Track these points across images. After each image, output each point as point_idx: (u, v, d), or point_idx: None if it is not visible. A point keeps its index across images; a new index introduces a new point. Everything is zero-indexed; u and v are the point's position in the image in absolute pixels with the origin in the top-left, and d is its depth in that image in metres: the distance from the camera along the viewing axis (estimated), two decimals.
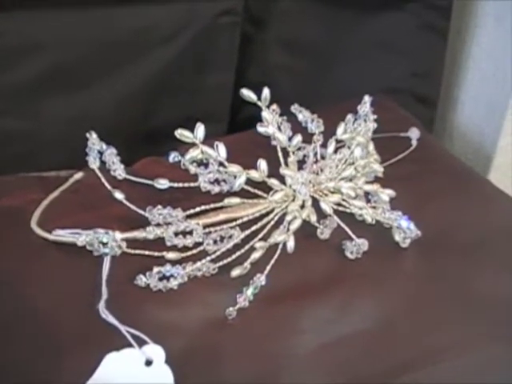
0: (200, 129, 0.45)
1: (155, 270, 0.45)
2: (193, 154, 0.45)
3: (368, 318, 0.48)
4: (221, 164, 0.46)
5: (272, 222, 0.48)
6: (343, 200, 0.51)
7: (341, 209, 0.51)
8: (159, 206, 0.46)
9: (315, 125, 0.52)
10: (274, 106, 0.51)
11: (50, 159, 0.72)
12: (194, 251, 0.47)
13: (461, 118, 0.84)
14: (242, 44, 0.79)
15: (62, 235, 0.49)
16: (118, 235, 0.46)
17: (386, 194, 0.52)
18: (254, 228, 0.47)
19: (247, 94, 0.48)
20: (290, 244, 0.47)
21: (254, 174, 0.47)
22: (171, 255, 0.46)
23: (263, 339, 0.46)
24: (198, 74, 0.77)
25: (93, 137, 0.50)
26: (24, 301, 0.47)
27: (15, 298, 0.47)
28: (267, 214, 0.48)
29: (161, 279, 0.46)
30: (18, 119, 0.70)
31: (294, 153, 0.49)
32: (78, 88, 0.72)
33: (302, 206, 0.49)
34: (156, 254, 0.46)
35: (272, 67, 0.82)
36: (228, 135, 0.71)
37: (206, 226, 0.47)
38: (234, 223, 0.46)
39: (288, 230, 0.47)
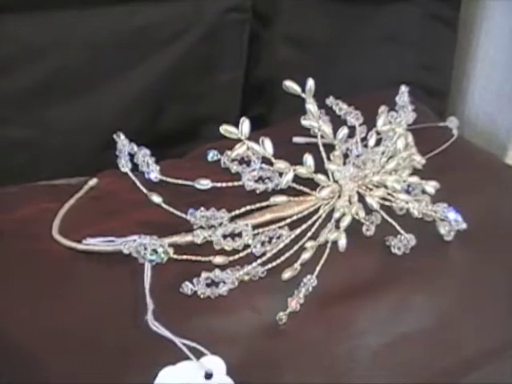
0: (245, 124, 0.43)
1: (203, 275, 0.42)
2: (239, 150, 0.43)
3: (425, 315, 0.45)
4: (266, 161, 0.43)
5: (320, 220, 0.46)
6: (388, 194, 0.49)
7: (386, 203, 0.49)
8: (202, 208, 0.43)
9: (354, 116, 0.50)
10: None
11: (55, 167, 0.69)
12: (242, 254, 0.44)
13: (472, 109, 0.83)
14: (249, 41, 0.77)
15: (95, 244, 0.46)
16: (166, 240, 0.43)
17: (431, 185, 0.50)
18: (304, 227, 0.44)
19: (290, 85, 0.46)
20: (342, 242, 0.45)
21: (301, 170, 0.44)
22: (219, 259, 0.43)
23: (321, 343, 0.43)
24: (206, 73, 0.75)
25: (121, 138, 0.47)
26: (60, 318, 0.43)
27: (48, 316, 0.44)
28: (315, 211, 0.46)
29: (208, 285, 0.43)
30: (22, 127, 0.66)
31: (339, 146, 0.46)
32: (81, 93, 0.69)
33: (350, 202, 0.47)
34: (203, 258, 0.43)
35: (280, 64, 0.80)
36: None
37: (255, 227, 0.45)
38: (282, 223, 0.44)
39: (338, 227, 0.45)
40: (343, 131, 0.46)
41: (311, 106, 0.46)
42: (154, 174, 0.45)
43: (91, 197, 0.56)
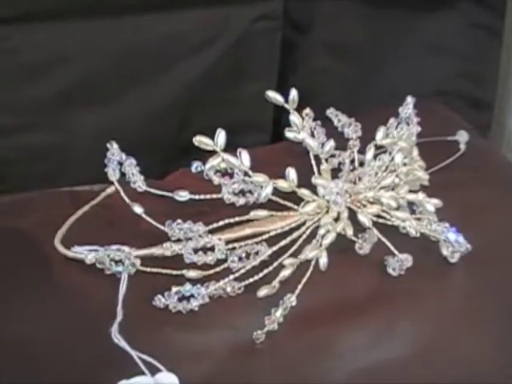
0: (221, 135, 0.42)
1: (174, 289, 0.41)
2: (213, 162, 0.42)
3: (410, 341, 0.43)
4: (245, 173, 0.42)
5: (304, 236, 0.44)
6: (383, 211, 0.46)
7: (381, 221, 0.46)
8: (179, 221, 0.43)
9: (352, 129, 0.48)
10: (307, 110, 0.47)
11: (81, 173, 0.70)
12: (218, 269, 0.43)
13: None
14: (284, 50, 0.76)
15: (79, 252, 0.46)
16: (134, 252, 0.42)
17: (432, 203, 0.47)
18: (282, 243, 0.43)
19: (273, 96, 0.44)
20: (323, 261, 0.43)
21: (282, 184, 0.43)
22: (192, 273, 0.42)
23: (294, 365, 0.41)
24: (236, 82, 0.74)
25: (113, 147, 0.47)
26: (34, 323, 0.44)
27: (22, 320, 0.44)
28: (298, 227, 0.44)
29: (181, 300, 0.42)
30: (48, 134, 0.67)
31: (327, 160, 0.44)
32: (108, 100, 0.69)
33: (337, 219, 0.45)
34: (174, 272, 0.42)
35: (316, 72, 0.78)
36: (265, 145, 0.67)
37: (230, 242, 0.43)
38: (259, 238, 0.42)
39: (321, 245, 0.43)
40: (329, 144, 0.44)
41: (295, 117, 0.44)
42: (139, 183, 0.45)
43: (104, 204, 0.56)
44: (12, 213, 0.56)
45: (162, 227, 0.43)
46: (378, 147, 0.48)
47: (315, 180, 0.44)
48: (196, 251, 0.42)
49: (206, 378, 0.40)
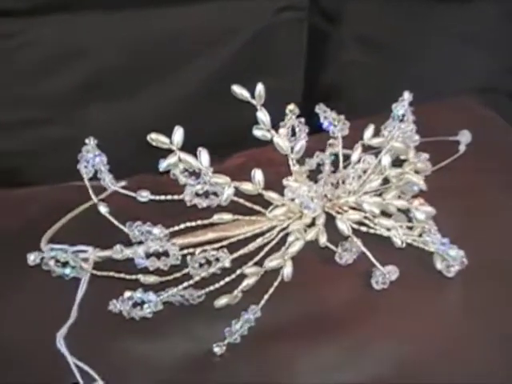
0: (178, 132, 0.39)
1: (126, 294, 0.39)
2: (170, 161, 0.39)
3: (384, 362, 0.39)
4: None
5: (272, 243, 0.41)
6: (366, 218, 0.42)
7: (364, 229, 0.42)
8: (139, 222, 0.40)
9: (339, 128, 0.44)
10: (292, 107, 0.44)
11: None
12: (178, 275, 0.40)
13: None
14: (315, 42, 0.72)
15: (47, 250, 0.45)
16: (96, 253, 0.40)
17: (423, 211, 0.42)
18: (242, 251, 0.39)
19: (239, 91, 0.41)
20: (287, 271, 0.39)
21: (245, 187, 0.39)
22: (147, 279, 0.40)
23: (250, 381, 0.38)
24: (258, 77, 0.71)
25: (90, 143, 0.45)
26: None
27: None
28: (265, 233, 0.41)
29: (135, 305, 0.40)
30: (65, 127, 0.67)
31: (298, 161, 0.41)
32: (123, 95, 0.68)
33: (313, 225, 0.42)
34: (128, 276, 0.40)
35: (348, 66, 0.74)
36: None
37: (192, 246, 0.41)
38: (219, 244, 0.39)
39: (286, 253, 0.39)
40: (300, 143, 0.41)
41: (262, 114, 0.40)
42: (107, 181, 0.43)
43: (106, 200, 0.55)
44: (14, 206, 0.55)
45: (123, 228, 0.41)
46: (368, 148, 0.44)
47: (286, 182, 0.40)
48: (149, 256, 0.39)
49: None
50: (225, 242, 0.40)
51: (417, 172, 0.46)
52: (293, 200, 0.40)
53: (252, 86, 0.71)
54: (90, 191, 0.44)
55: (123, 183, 0.56)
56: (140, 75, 0.67)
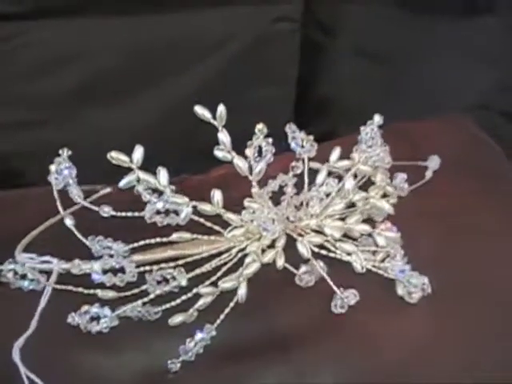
0: (138, 151, 0.39)
1: (83, 308, 0.40)
2: (129, 178, 0.39)
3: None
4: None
5: (230, 264, 0.41)
6: (327, 241, 0.42)
7: (324, 252, 0.42)
8: (100, 237, 0.41)
9: (307, 149, 0.44)
10: (260, 126, 0.44)
11: (90, 171, 0.70)
12: (136, 291, 0.41)
13: None
14: (310, 53, 0.72)
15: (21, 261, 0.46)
16: (59, 265, 0.41)
17: (385, 236, 0.42)
18: (198, 270, 0.40)
19: (201, 112, 0.41)
20: (241, 292, 0.39)
21: (204, 207, 0.40)
22: (105, 294, 0.40)
23: None
24: (252, 85, 0.71)
25: (63, 154, 0.45)
26: None
27: None
28: (223, 253, 0.41)
29: (93, 320, 0.41)
30: (58, 130, 0.68)
31: (259, 182, 0.41)
32: (119, 98, 0.69)
33: (272, 246, 0.42)
34: (86, 291, 0.41)
35: (343, 78, 0.74)
36: None
37: (151, 263, 0.41)
38: (176, 262, 0.40)
39: (241, 274, 0.40)
40: (260, 165, 0.41)
41: (223, 135, 0.41)
42: (75, 194, 0.43)
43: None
44: (10, 207, 0.56)
45: (85, 241, 0.42)
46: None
47: (247, 203, 0.41)
48: (106, 271, 0.40)
49: None
50: (180, 262, 0.40)
51: (385, 195, 0.46)
52: (251, 221, 0.40)
53: (246, 93, 0.71)
54: (58, 203, 0.45)
55: (108, 189, 0.56)
56: (136, 80, 0.67)
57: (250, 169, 0.42)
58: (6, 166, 0.70)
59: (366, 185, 0.47)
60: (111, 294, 0.41)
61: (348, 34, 0.72)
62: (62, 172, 0.44)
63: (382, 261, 0.42)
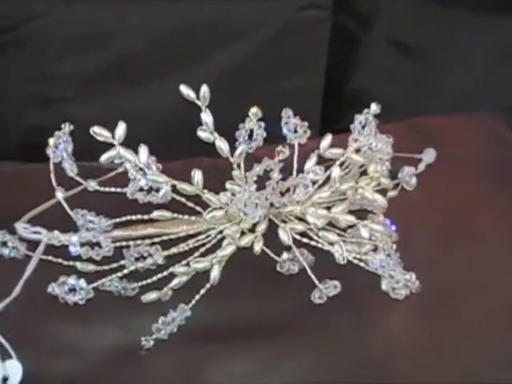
0: (120, 127, 0.40)
1: (61, 279, 0.40)
2: (110, 154, 0.40)
3: (293, 379, 0.38)
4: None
5: (208, 245, 0.41)
6: (310, 230, 0.41)
7: (305, 240, 0.41)
8: (84, 211, 0.42)
9: (298, 135, 0.43)
10: (255, 109, 0.43)
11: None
12: (114, 265, 0.41)
13: None
14: (343, 42, 0.71)
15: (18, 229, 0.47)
16: (41, 235, 0.42)
17: (369, 228, 0.41)
18: (174, 249, 0.40)
19: (186, 91, 0.41)
20: (214, 274, 0.39)
21: (183, 186, 0.40)
22: (84, 266, 0.41)
23: (162, 381, 0.39)
24: (278, 74, 0.70)
25: (65, 129, 0.46)
26: None
27: None
28: (201, 234, 0.41)
29: (71, 291, 0.41)
30: (83, 107, 0.69)
31: (239, 165, 0.41)
32: (146, 81, 0.69)
33: (252, 231, 0.41)
34: (66, 262, 0.41)
35: (376, 70, 0.72)
36: None
37: (133, 239, 0.41)
38: (150, 241, 0.40)
39: (215, 256, 0.39)
40: (241, 148, 0.40)
41: (206, 115, 0.40)
42: (70, 169, 0.44)
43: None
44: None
45: (72, 215, 0.43)
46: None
47: (228, 185, 0.40)
48: (82, 245, 0.40)
49: (70, 375, 0.39)
50: (156, 239, 0.40)
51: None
52: (227, 204, 0.40)
53: (272, 82, 0.71)
54: (52, 176, 0.46)
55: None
56: (162, 63, 0.68)
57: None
58: (37, 139, 0.72)
59: (362, 175, 0.46)
60: (91, 267, 0.41)
61: (383, 24, 0.70)
62: (58, 146, 0.45)
63: (366, 253, 0.41)
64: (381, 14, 0.70)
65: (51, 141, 0.45)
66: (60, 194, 0.44)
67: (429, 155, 0.48)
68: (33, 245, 0.43)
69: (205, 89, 0.41)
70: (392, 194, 0.47)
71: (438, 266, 0.45)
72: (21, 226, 0.47)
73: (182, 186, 0.40)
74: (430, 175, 0.53)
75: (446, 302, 0.42)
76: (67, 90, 0.69)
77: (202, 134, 0.41)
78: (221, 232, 0.41)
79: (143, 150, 0.39)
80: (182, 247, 0.40)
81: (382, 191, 0.46)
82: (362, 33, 0.71)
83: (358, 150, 0.43)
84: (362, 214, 0.44)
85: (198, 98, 0.41)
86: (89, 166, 0.62)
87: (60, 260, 0.41)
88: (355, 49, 0.71)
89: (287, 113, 0.45)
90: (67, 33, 0.66)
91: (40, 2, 0.64)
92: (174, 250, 0.40)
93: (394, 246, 0.43)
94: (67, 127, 0.46)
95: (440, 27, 0.68)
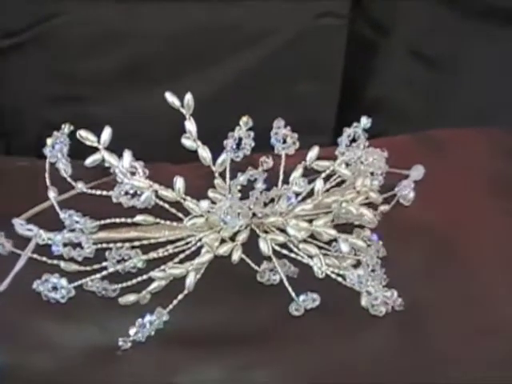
0: (106, 131, 0.40)
1: (44, 277, 0.41)
2: (94, 157, 0.40)
3: None
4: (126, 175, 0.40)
5: (188, 252, 0.41)
6: (291, 241, 0.41)
7: (285, 251, 0.41)
8: (71, 211, 0.42)
9: (287, 145, 0.43)
10: (246, 118, 0.44)
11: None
12: (96, 266, 0.42)
13: None
14: (360, 50, 0.70)
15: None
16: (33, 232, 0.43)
17: (349, 243, 0.40)
18: (153, 254, 0.40)
19: (171, 99, 0.42)
20: (189, 281, 0.39)
21: (164, 192, 0.40)
22: (67, 265, 0.42)
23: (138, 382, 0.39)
24: (293, 79, 0.70)
25: (65, 130, 0.47)
26: None
27: None
28: (181, 240, 0.41)
29: (54, 289, 0.42)
30: (99, 106, 0.70)
31: (220, 174, 0.41)
32: (162, 81, 0.70)
33: (233, 239, 0.41)
34: (50, 261, 0.42)
35: (394, 80, 0.71)
36: None
37: (116, 242, 0.42)
38: (129, 244, 0.40)
39: (191, 263, 0.40)
40: (222, 157, 0.40)
41: (189, 124, 0.40)
42: (63, 168, 0.45)
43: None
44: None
45: (60, 213, 0.43)
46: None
47: (210, 193, 0.40)
48: (65, 245, 0.41)
49: (48, 369, 0.40)
50: (136, 243, 0.41)
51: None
52: (209, 212, 0.40)
53: (287, 88, 0.71)
54: (47, 175, 0.47)
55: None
56: (179, 64, 0.69)
57: (232, 160, 0.43)
58: None
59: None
60: (73, 266, 0.42)
61: (401, 33, 0.70)
62: (55, 146, 0.46)
63: (346, 268, 0.41)
64: (399, 22, 0.69)
65: (49, 141, 0.46)
66: (52, 194, 0.45)
67: (416, 172, 0.47)
68: (22, 242, 0.44)
69: (189, 97, 0.41)
70: (383, 208, 0.46)
71: (424, 282, 0.45)
72: (18, 222, 0.49)
73: (163, 192, 0.40)
74: (432, 188, 0.53)
75: (426, 320, 0.42)
76: (84, 89, 0.70)
77: (186, 141, 0.41)
78: (201, 239, 0.41)
79: (127, 155, 0.40)
80: (162, 252, 0.41)
81: (373, 205, 0.46)
82: (380, 41, 0.70)
83: (347, 164, 0.44)
84: (348, 227, 0.44)
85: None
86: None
87: (44, 258, 0.42)
88: (373, 57, 0.71)
89: (279, 123, 0.45)
90: (85, 32, 0.67)
91: (59, 1, 0.65)
92: (153, 255, 0.40)
93: (379, 262, 0.43)
94: (67, 128, 0.47)
95: (458, 37, 0.67)
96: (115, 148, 0.75)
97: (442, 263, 0.46)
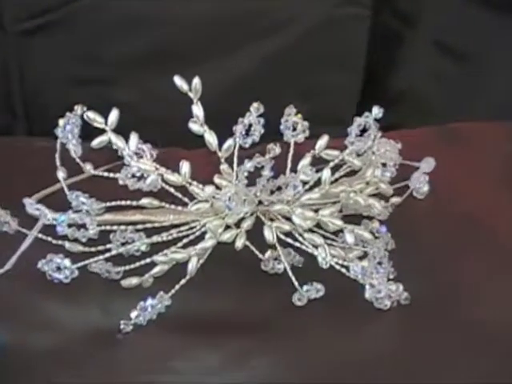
0: (113, 113, 0.40)
1: (48, 257, 0.41)
2: (101, 139, 0.40)
3: (257, 378, 0.38)
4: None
5: (192, 237, 0.41)
6: (296, 230, 0.41)
7: (289, 240, 0.41)
8: (78, 192, 0.42)
9: (296, 133, 0.42)
10: (256, 104, 0.43)
11: (147, 135, 0.72)
12: (101, 248, 0.42)
13: None
14: (385, 41, 0.69)
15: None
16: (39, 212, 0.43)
17: (355, 235, 0.40)
18: (156, 238, 0.40)
19: (179, 83, 0.41)
20: (191, 265, 0.39)
21: (169, 176, 0.40)
22: (71, 246, 0.41)
23: (127, 369, 0.39)
24: (314, 68, 0.69)
25: (77, 111, 0.47)
26: None
27: None
28: (186, 225, 0.41)
29: (58, 269, 0.42)
30: (123, 91, 0.70)
31: (226, 159, 0.40)
32: (184, 67, 0.69)
33: (238, 226, 0.41)
34: (55, 241, 0.42)
35: (419, 72, 0.70)
36: None
37: (122, 224, 0.42)
38: (133, 227, 0.40)
39: (194, 248, 0.39)
40: (228, 143, 0.40)
41: (196, 108, 0.40)
42: (74, 148, 0.45)
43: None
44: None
45: (68, 194, 0.43)
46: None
47: (216, 179, 0.40)
48: (70, 226, 0.41)
49: (48, 348, 0.40)
50: (140, 226, 0.41)
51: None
52: (214, 198, 0.40)
53: (307, 78, 0.70)
54: (57, 155, 0.47)
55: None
56: (203, 50, 0.68)
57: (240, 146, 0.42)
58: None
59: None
60: (79, 247, 0.42)
61: (427, 24, 0.68)
62: (66, 127, 0.46)
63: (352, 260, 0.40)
64: (425, 14, 0.68)
65: (61, 121, 0.46)
66: (61, 174, 0.45)
67: (427, 164, 0.46)
68: (27, 221, 0.44)
69: (196, 81, 0.41)
70: (395, 200, 0.45)
71: (433, 275, 0.44)
72: (28, 202, 0.49)
73: (169, 176, 0.40)
74: (449, 181, 0.52)
75: (430, 314, 0.41)
76: (108, 72, 0.70)
77: (193, 126, 0.41)
78: (205, 225, 0.41)
79: (133, 137, 0.40)
80: (166, 236, 0.40)
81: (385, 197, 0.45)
82: (406, 32, 0.69)
83: (358, 154, 0.43)
84: (356, 219, 0.44)
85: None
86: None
87: (50, 238, 0.42)
88: (397, 48, 0.69)
89: (289, 110, 0.44)
90: (111, 15, 0.67)
91: None
92: (157, 239, 0.40)
93: (387, 254, 0.42)
94: (79, 109, 0.47)
95: (486, 30, 0.66)
96: (136, 131, 0.75)
97: (456, 256, 0.45)
